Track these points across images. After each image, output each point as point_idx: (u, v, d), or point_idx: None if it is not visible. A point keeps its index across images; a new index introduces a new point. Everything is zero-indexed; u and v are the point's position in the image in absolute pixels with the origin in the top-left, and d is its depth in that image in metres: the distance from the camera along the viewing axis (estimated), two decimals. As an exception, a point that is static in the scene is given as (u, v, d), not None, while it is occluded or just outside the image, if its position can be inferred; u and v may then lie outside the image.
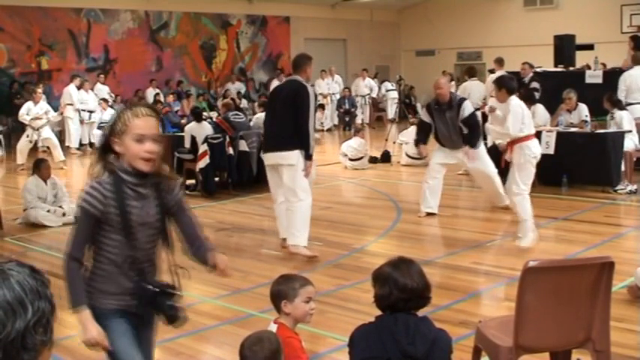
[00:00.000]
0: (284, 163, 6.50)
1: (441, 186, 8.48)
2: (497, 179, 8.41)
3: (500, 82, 7.14)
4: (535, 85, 11.88)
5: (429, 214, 8.38)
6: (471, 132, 8.07)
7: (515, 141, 6.90)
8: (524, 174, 6.91)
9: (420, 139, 8.61)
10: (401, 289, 2.85)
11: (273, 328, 3.24)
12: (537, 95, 11.86)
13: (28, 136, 13.67)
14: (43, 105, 13.90)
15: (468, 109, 8.11)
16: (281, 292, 3.28)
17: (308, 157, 6.50)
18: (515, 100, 6.96)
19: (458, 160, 8.56)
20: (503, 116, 7.00)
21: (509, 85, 7.04)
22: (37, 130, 13.59)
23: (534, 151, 6.88)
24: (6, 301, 1.30)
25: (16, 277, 1.33)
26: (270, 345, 2.95)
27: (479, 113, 8.86)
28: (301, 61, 6.71)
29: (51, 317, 1.36)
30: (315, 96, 6.68)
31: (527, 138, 6.86)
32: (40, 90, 14.39)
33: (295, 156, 6.45)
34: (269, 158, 6.76)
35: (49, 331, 1.35)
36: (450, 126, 8.09)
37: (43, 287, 1.36)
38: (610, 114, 10.37)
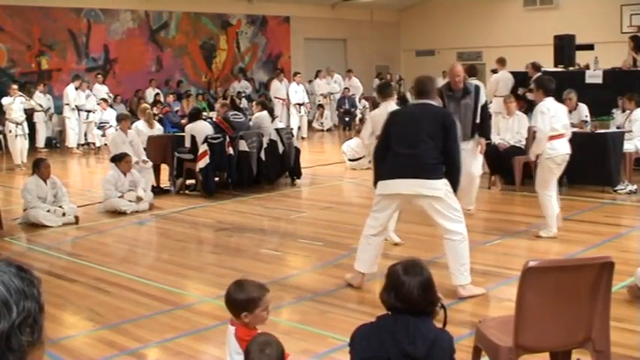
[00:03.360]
0: (428, 194, 5.37)
1: None
2: (478, 181, 8.27)
3: (538, 82, 7.41)
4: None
5: None
6: (485, 122, 7.92)
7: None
8: (539, 175, 7.31)
9: None
10: (401, 299, 2.86)
11: (232, 330, 3.23)
12: None
13: (11, 132, 13.92)
14: (20, 100, 14.07)
15: (483, 96, 8.00)
16: (240, 303, 3.19)
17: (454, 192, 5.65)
18: (549, 101, 7.09)
19: (465, 152, 7.84)
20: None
21: (548, 85, 7.20)
22: (21, 124, 13.86)
23: (550, 152, 7.08)
24: None
25: (1, 277, 1.30)
26: (278, 348, 3.02)
27: None
28: (431, 85, 5.74)
29: (38, 317, 1.32)
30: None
31: (552, 138, 7.03)
32: (15, 86, 14.52)
33: (443, 186, 5.38)
34: (404, 186, 5.44)
35: (37, 332, 1.31)
36: (463, 114, 7.60)
37: (29, 287, 1.32)
38: (628, 111, 10.35)
